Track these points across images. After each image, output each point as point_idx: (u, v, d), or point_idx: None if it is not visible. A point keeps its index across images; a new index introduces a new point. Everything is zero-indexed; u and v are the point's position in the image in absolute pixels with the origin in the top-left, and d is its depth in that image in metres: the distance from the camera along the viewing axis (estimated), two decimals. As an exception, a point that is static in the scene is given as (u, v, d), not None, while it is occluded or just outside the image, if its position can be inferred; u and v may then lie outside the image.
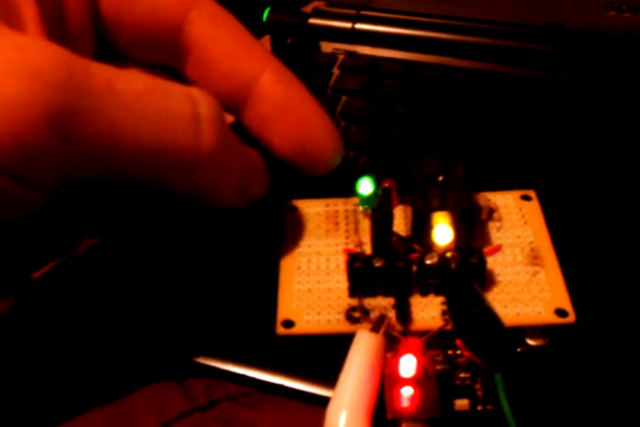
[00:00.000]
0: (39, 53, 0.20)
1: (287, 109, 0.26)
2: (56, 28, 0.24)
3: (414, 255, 0.25)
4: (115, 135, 0.21)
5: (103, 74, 0.21)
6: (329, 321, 0.25)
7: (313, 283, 0.26)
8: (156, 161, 0.22)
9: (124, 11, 0.26)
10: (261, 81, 0.26)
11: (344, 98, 0.38)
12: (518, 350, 0.24)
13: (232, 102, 0.27)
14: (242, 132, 0.27)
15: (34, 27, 0.23)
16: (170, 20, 0.26)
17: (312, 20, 0.44)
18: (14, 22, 0.22)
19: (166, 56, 0.27)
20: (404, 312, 0.25)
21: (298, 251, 0.27)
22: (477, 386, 0.24)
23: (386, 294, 0.25)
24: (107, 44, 0.26)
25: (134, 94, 0.22)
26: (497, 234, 0.27)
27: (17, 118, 0.19)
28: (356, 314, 0.25)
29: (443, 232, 0.25)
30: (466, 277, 0.24)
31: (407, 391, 0.23)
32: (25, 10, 0.23)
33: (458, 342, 0.23)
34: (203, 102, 0.23)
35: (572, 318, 0.24)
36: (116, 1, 0.25)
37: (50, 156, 0.20)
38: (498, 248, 0.26)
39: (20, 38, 0.21)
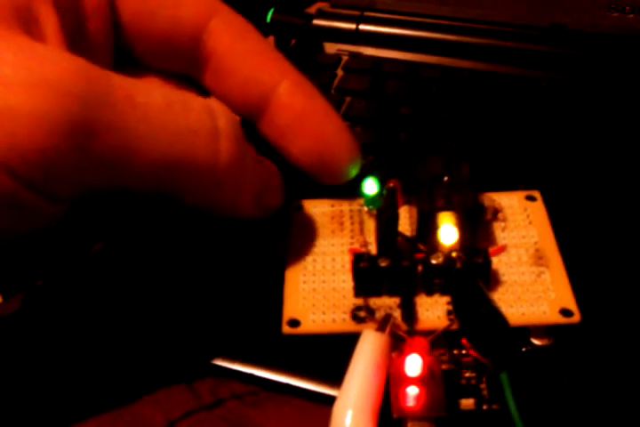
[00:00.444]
0: (60, 65, 0.20)
1: (305, 120, 0.26)
2: (76, 38, 0.24)
3: (419, 255, 0.25)
4: (133, 148, 0.21)
5: (123, 86, 0.21)
6: (334, 321, 0.25)
7: (318, 282, 0.26)
8: (173, 174, 0.22)
9: (144, 20, 0.26)
10: (280, 91, 0.26)
11: (348, 99, 0.38)
12: (523, 349, 0.25)
13: (250, 112, 0.27)
14: (257, 139, 0.27)
15: (54, 37, 0.23)
16: (190, 29, 0.26)
17: (316, 21, 0.44)
18: (35, 32, 0.22)
19: (185, 65, 0.27)
20: (409, 312, 0.25)
21: (303, 251, 0.27)
22: (483, 385, 0.24)
23: (391, 293, 0.26)
24: (126, 52, 0.26)
25: (154, 108, 0.22)
26: (502, 234, 0.27)
27: (38, 130, 0.19)
28: (362, 314, 0.25)
29: (448, 232, 0.25)
30: (471, 276, 0.24)
31: (413, 391, 0.23)
32: (45, 20, 0.23)
33: (464, 341, 0.23)
34: (221, 115, 0.23)
35: (576, 317, 0.24)
36: (136, 10, 0.25)
37: (69, 167, 0.20)
38: (503, 248, 0.27)
39: (41, 49, 0.21)
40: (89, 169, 0.21)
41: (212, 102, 0.24)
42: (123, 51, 0.26)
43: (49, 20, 0.23)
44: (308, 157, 0.27)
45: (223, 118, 0.23)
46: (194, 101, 0.23)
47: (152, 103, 0.22)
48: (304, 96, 0.26)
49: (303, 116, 0.26)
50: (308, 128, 0.26)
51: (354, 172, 0.27)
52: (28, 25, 0.22)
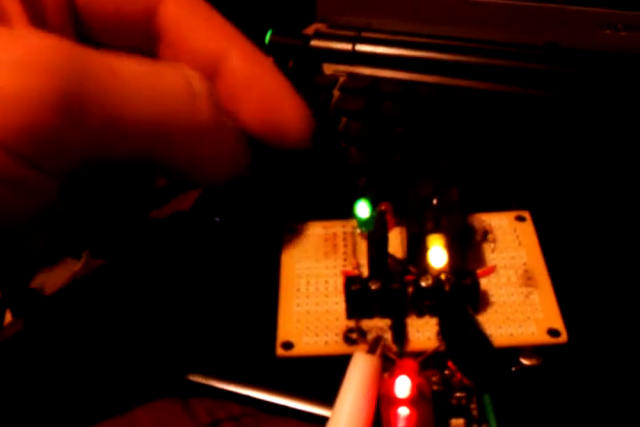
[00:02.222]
0: (41, 44, 0.21)
1: (253, 85, 0.27)
2: (38, 23, 0.25)
3: (410, 277, 0.26)
4: (119, 115, 0.22)
5: (102, 59, 0.23)
6: (327, 343, 0.26)
7: (312, 305, 0.27)
8: (159, 135, 0.24)
9: (98, 1, 0.27)
10: (229, 58, 0.27)
11: (344, 119, 0.39)
12: (513, 369, 0.25)
13: None
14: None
15: (20, 23, 0.24)
16: (141, 5, 0.27)
17: (313, 42, 0.44)
18: (1, 19, 0.24)
19: (140, 40, 0.28)
20: (399, 333, 0.25)
21: (297, 273, 0.28)
22: (473, 406, 0.24)
23: (383, 315, 0.26)
24: (84, 34, 0.28)
25: (132, 75, 0.23)
26: (491, 255, 0.28)
27: (29, 107, 0.20)
28: (354, 335, 0.26)
29: (437, 254, 0.26)
30: (458, 299, 0.24)
31: (403, 412, 0.23)
32: (9, 7, 0.24)
33: (449, 363, 0.24)
34: (194, 77, 0.25)
35: (564, 337, 0.25)
36: None
37: (62, 139, 0.21)
38: (492, 269, 0.27)
39: (19, 32, 0.23)
40: (80, 139, 0.22)
41: (184, 67, 0.25)
42: (81, 33, 0.28)
43: (13, 7, 0.24)
44: (257, 120, 0.27)
45: (196, 80, 0.25)
46: (167, 66, 0.25)
47: (130, 71, 0.23)
48: (252, 62, 0.27)
49: (251, 81, 0.27)
50: (255, 92, 0.27)
51: (306, 134, 0.28)
52: None
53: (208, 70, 0.27)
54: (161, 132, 0.24)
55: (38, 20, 0.25)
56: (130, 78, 0.23)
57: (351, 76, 0.42)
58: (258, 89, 0.27)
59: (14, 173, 0.21)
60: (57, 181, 0.23)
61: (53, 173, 0.22)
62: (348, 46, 0.44)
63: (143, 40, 0.28)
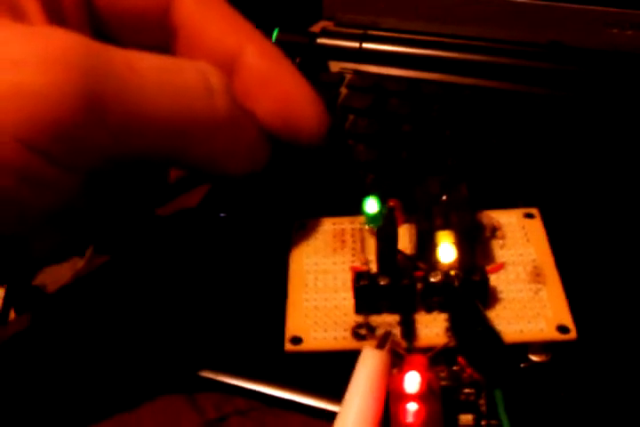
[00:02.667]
0: (62, 41, 0.22)
1: (269, 81, 0.27)
2: (56, 21, 0.25)
3: (419, 273, 0.26)
4: (139, 111, 0.22)
5: (121, 55, 0.23)
6: (335, 338, 0.26)
7: (320, 300, 0.27)
8: (178, 131, 0.24)
9: None
10: (245, 54, 0.27)
11: (351, 117, 0.39)
12: (522, 365, 0.25)
13: None
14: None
15: (38, 20, 0.24)
16: (157, 1, 0.27)
17: (320, 40, 0.44)
18: (19, 18, 0.24)
19: (157, 36, 0.28)
20: (408, 329, 0.25)
21: (306, 269, 0.28)
22: (481, 401, 0.24)
23: (391, 311, 0.26)
24: (101, 30, 0.28)
25: (151, 72, 0.23)
26: (500, 252, 0.28)
27: (52, 104, 0.21)
28: (362, 331, 0.26)
29: (446, 251, 0.26)
30: (468, 295, 0.24)
31: (412, 407, 0.23)
32: (28, 5, 0.24)
33: (459, 359, 0.24)
34: (212, 73, 0.25)
35: (573, 334, 0.25)
36: None
37: (83, 136, 0.21)
38: (501, 266, 0.27)
39: (41, 29, 0.23)
40: (101, 136, 0.22)
41: (201, 62, 0.25)
42: (99, 30, 0.28)
43: (31, 6, 0.24)
44: (274, 117, 0.27)
45: (214, 76, 0.25)
46: (185, 63, 0.25)
47: (148, 68, 0.23)
48: (268, 59, 0.28)
49: (267, 77, 0.27)
50: (272, 89, 0.27)
51: (321, 132, 0.28)
52: (13, 11, 0.24)
53: (224, 66, 0.27)
54: (180, 128, 0.24)
55: (56, 17, 0.25)
56: (149, 75, 0.23)
57: (358, 73, 0.42)
58: (274, 85, 0.27)
59: (36, 170, 0.21)
60: (78, 178, 0.23)
61: (75, 171, 0.22)
62: (354, 44, 0.44)
63: (160, 36, 0.28)
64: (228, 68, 0.27)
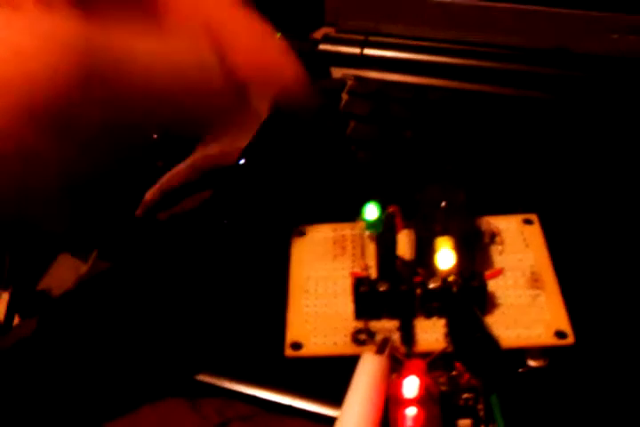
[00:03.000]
0: (58, 21, 0.23)
1: (240, 30, 0.28)
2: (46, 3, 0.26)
3: (418, 279, 0.26)
4: (134, 88, 0.24)
5: (115, 34, 0.24)
6: (335, 343, 0.26)
7: (320, 306, 0.27)
8: (173, 105, 0.25)
9: None
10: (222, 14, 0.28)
11: (353, 123, 0.39)
12: (519, 370, 0.25)
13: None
14: None
15: (30, 5, 0.25)
16: None
17: (322, 46, 0.45)
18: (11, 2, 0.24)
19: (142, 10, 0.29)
20: (408, 334, 0.26)
21: (306, 274, 0.28)
22: (480, 406, 0.24)
23: (391, 316, 0.26)
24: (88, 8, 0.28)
25: (145, 50, 0.24)
26: (499, 257, 0.28)
27: (50, 81, 0.22)
28: (362, 336, 0.26)
29: (445, 257, 0.26)
30: (466, 301, 0.25)
31: (411, 412, 0.23)
32: None
33: (457, 364, 0.24)
34: (204, 49, 0.26)
35: (571, 339, 0.25)
36: None
37: (80, 112, 0.22)
38: (499, 272, 0.27)
39: (35, 12, 0.24)
40: (96, 109, 0.23)
41: (193, 37, 0.26)
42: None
43: None
44: (246, 63, 0.28)
45: (206, 51, 0.26)
46: (177, 39, 0.26)
47: (142, 46, 0.24)
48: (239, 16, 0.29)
49: (238, 27, 0.28)
50: (243, 38, 0.28)
51: (300, 78, 0.29)
52: None
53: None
54: (175, 103, 0.25)
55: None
56: (143, 52, 0.24)
57: (359, 79, 0.43)
58: (245, 34, 0.28)
59: (35, 146, 0.22)
60: (74, 149, 0.23)
61: (70, 142, 0.23)
62: (356, 50, 0.44)
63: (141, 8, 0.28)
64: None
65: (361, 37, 0.45)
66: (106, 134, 0.24)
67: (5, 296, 0.35)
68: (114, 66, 0.23)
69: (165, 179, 0.35)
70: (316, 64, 0.45)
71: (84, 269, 0.33)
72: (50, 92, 0.22)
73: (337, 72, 0.44)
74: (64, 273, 0.33)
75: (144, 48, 0.24)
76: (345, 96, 0.41)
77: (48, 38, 0.22)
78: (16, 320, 0.34)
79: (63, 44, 0.22)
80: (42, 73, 0.22)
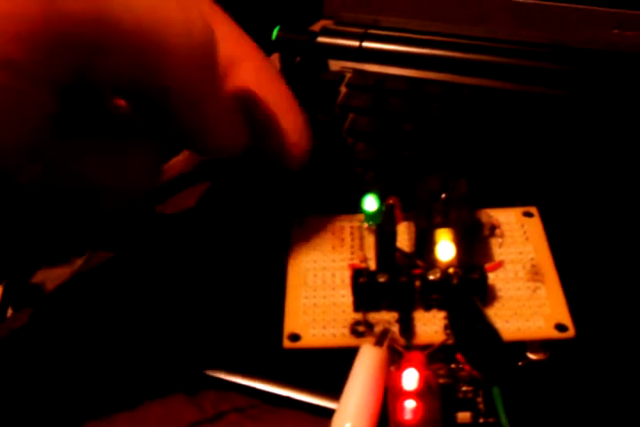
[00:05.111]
0: None
1: (259, 102, 0.27)
2: None
3: (417, 271, 0.26)
4: (99, 9, 0.21)
5: None
6: (334, 335, 0.26)
7: (319, 297, 0.27)
8: (147, 45, 0.22)
9: None
10: (241, 67, 0.27)
11: (351, 115, 0.39)
12: (519, 364, 0.25)
13: None
14: None
15: None
16: None
17: (320, 39, 0.44)
18: None
19: None
20: (407, 326, 0.25)
21: (304, 266, 0.28)
22: (479, 399, 0.24)
23: (390, 308, 0.26)
24: None
25: None
26: (499, 250, 0.28)
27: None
28: (361, 328, 0.26)
29: (445, 248, 0.26)
30: (467, 292, 0.24)
31: (410, 404, 0.23)
32: None
33: (458, 356, 0.24)
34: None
35: (571, 332, 0.25)
36: None
37: (44, 34, 0.20)
38: (499, 264, 0.27)
39: None
40: (66, 38, 0.21)
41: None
42: None
43: None
44: (258, 137, 0.27)
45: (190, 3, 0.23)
46: None
47: None
48: (264, 78, 0.27)
49: (261, 96, 0.27)
50: (261, 111, 0.27)
51: (302, 163, 0.28)
52: None
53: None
54: (150, 44, 0.22)
55: None
56: None
57: (358, 72, 0.42)
58: (264, 107, 0.27)
59: (6, 83, 0.20)
60: (52, 92, 0.21)
61: (46, 80, 0.21)
62: (354, 43, 0.44)
63: None
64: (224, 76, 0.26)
65: (360, 30, 0.44)
66: (78, 79, 0.22)
67: (-1, 289, 0.35)
68: None
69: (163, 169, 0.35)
70: (315, 57, 0.44)
71: (78, 262, 0.33)
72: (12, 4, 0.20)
73: (335, 65, 0.44)
74: (59, 266, 0.33)
75: None
76: (343, 89, 0.41)
77: None
78: (9, 314, 0.34)
79: None
80: None
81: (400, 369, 0.24)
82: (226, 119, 0.26)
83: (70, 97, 0.22)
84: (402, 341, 0.25)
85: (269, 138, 0.27)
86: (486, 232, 0.28)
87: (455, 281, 0.25)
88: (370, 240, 0.28)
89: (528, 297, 0.26)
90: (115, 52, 0.22)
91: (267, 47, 0.45)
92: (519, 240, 0.28)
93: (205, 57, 0.24)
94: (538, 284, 0.26)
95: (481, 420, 0.24)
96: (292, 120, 0.28)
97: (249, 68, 0.27)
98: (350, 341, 0.25)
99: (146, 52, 0.22)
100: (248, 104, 0.27)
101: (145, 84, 0.23)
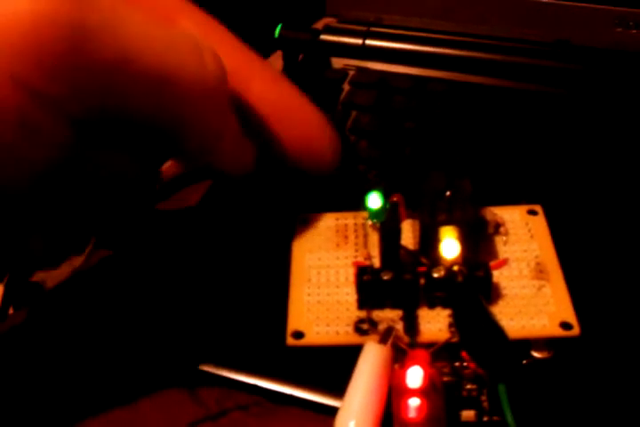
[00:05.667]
0: None
1: (281, 113, 0.27)
2: None
3: (422, 268, 0.26)
4: (124, 50, 0.22)
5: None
6: (338, 333, 0.26)
7: (323, 295, 0.27)
8: (165, 84, 0.23)
9: None
10: (254, 85, 0.27)
11: (354, 113, 0.39)
12: (524, 362, 0.25)
13: None
14: None
15: None
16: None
17: (323, 37, 0.44)
18: None
19: None
20: (411, 324, 0.25)
21: (308, 263, 0.28)
22: (483, 397, 0.24)
23: (394, 306, 0.26)
24: None
25: (139, 18, 0.23)
26: (503, 248, 0.28)
27: (39, 33, 0.20)
28: (365, 326, 0.26)
29: (450, 246, 0.26)
30: (472, 290, 0.24)
31: (414, 402, 0.23)
32: None
33: (463, 353, 0.24)
34: (199, 39, 0.24)
35: (576, 331, 0.25)
36: None
37: (73, 75, 0.21)
38: (504, 262, 0.27)
39: None
40: (89, 76, 0.21)
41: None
42: None
43: None
44: (288, 148, 0.27)
45: (202, 40, 0.24)
46: (170, 22, 0.24)
47: (136, 16, 0.23)
48: (277, 89, 0.27)
49: (278, 108, 0.27)
50: (284, 120, 0.27)
51: (336, 161, 0.28)
52: None
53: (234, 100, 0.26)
54: (167, 81, 0.23)
55: None
56: (137, 21, 0.22)
57: (361, 70, 0.42)
58: (290, 120, 0.27)
59: (30, 114, 0.21)
60: (68, 127, 0.22)
61: (64, 116, 0.22)
62: (357, 41, 0.44)
63: None
64: (238, 100, 0.27)
65: (363, 28, 0.44)
66: (98, 114, 0.22)
67: (0, 288, 0.35)
68: (108, 26, 0.21)
69: (165, 168, 0.35)
70: (318, 55, 0.44)
71: (79, 260, 0.33)
72: (38, 42, 0.20)
73: (338, 62, 0.43)
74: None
75: (138, 15, 0.22)
76: (346, 87, 0.41)
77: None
78: (11, 312, 0.34)
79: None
80: (28, 20, 0.20)
81: (404, 367, 0.24)
82: (236, 143, 0.26)
83: (84, 129, 0.23)
84: (406, 339, 0.25)
85: (299, 149, 0.28)
86: (491, 230, 0.28)
87: (460, 279, 0.25)
88: (374, 238, 0.28)
89: (533, 295, 0.26)
90: (134, 92, 0.22)
91: (269, 45, 0.45)
92: (524, 238, 0.28)
93: (218, 91, 0.24)
94: (542, 282, 0.26)
95: (485, 418, 0.24)
96: (315, 125, 0.28)
97: (261, 86, 0.27)
98: (354, 338, 0.25)
99: (164, 92, 0.23)
100: (268, 122, 0.27)
101: (159, 120, 0.24)
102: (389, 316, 0.26)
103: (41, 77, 0.21)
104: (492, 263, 0.26)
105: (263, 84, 0.27)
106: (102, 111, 0.23)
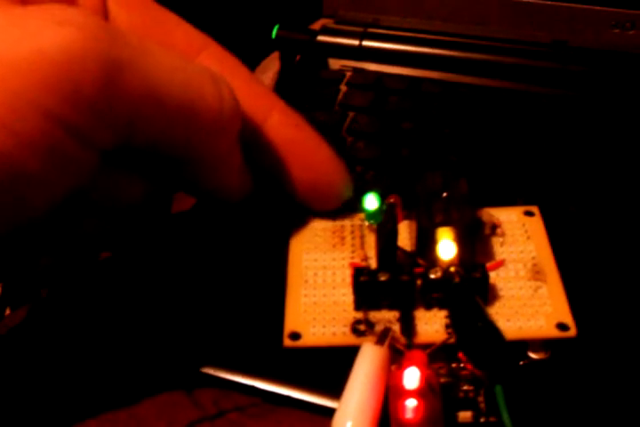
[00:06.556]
0: (79, 14, 0.22)
1: (296, 150, 0.28)
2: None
3: (418, 270, 0.26)
4: (151, 83, 0.23)
5: (133, 35, 0.23)
6: (335, 334, 0.26)
7: (319, 296, 0.27)
8: (186, 114, 0.24)
9: None
10: (270, 120, 0.27)
11: (351, 114, 0.39)
12: (520, 363, 0.25)
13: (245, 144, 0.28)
14: None
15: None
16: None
17: (320, 38, 0.44)
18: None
19: None
20: (408, 325, 0.25)
21: (305, 264, 0.28)
22: (480, 398, 0.24)
23: (391, 307, 0.26)
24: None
25: (162, 52, 0.23)
26: (500, 249, 0.28)
27: (73, 70, 0.21)
28: (362, 327, 0.26)
29: (446, 247, 0.26)
30: (468, 291, 0.24)
31: (411, 403, 0.23)
32: None
33: (460, 354, 0.24)
34: (216, 72, 0.25)
35: (573, 332, 0.25)
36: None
37: (102, 105, 0.22)
38: (501, 263, 0.27)
39: (58, 5, 0.22)
40: (120, 109, 0.22)
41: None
42: None
43: None
44: (301, 187, 0.28)
45: (218, 75, 0.25)
46: (190, 57, 0.26)
47: (160, 51, 0.24)
48: (293, 127, 0.28)
49: (293, 146, 0.27)
50: (298, 158, 0.27)
51: (346, 197, 0.29)
52: None
53: (249, 136, 0.27)
54: (190, 113, 0.24)
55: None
56: (160, 54, 0.23)
57: (358, 71, 0.42)
58: (301, 155, 0.28)
59: (59, 144, 0.21)
60: (95, 156, 0.23)
61: (93, 146, 0.22)
62: (354, 42, 0.44)
63: None
64: (253, 136, 0.27)
65: (360, 29, 0.44)
66: (123, 143, 0.23)
67: (-3, 288, 0.35)
68: (138, 62, 0.22)
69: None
70: (314, 55, 0.44)
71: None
72: (71, 79, 0.21)
73: (335, 64, 0.44)
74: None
75: (161, 50, 0.24)
76: (343, 88, 0.41)
77: (70, 22, 0.21)
78: (7, 312, 0.34)
79: (86, 29, 0.21)
80: (63, 57, 0.21)
81: (401, 368, 0.24)
82: (239, 173, 0.27)
83: (108, 157, 0.24)
84: (403, 340, 0.25)
85: (310, 191, 0.28)
86: (487, 231, 0.28)
87: (456, 280, 0.25)
88: (371, 239, 0.28)
89: (529, 296, 0.26)
90: (158, 123, 0.23)
91: (266, 46, 0.45)
92: (520, 239, 0.28)
93: (231, 123, 0.25)
94: (539, 283, 0.26)
95: (482, 419, 0.24)
96: (329, 168, 0.28)
97: (278, 121, 0.27)
98: (351, 340, 0.25)
99: (184, 122, 0.24)
100: (282, 159, 0.28)
101: (174, 148, 0.25)
102: (386, 317, 0.26)
103: (72, 110, 0.21)
104: (489, 264, 0.26)
105: (281, 119, 0.28)
106: (127, 141, 0.23)
